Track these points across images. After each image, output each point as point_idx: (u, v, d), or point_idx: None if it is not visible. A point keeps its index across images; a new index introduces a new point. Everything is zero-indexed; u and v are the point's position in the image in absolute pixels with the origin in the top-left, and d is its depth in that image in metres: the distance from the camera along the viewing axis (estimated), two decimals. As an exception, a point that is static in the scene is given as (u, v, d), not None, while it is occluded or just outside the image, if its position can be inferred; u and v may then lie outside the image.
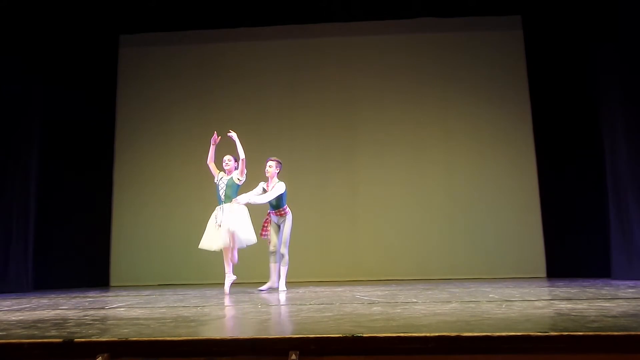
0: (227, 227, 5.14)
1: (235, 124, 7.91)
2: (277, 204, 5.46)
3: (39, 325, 2.94)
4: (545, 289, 4.88)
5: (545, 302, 3.59)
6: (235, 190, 5.32)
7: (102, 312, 3.76)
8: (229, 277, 5.26)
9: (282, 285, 5.41)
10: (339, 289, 5.55)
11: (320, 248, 7.53)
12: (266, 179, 5.59)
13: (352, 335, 2.17)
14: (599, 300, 3.53)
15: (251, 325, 2.95)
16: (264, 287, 5.40)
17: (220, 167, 5.51)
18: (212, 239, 5.22)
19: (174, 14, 7.72)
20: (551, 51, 7.32)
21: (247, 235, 5.29)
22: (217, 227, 5.20)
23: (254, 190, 5.51)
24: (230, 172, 5.42)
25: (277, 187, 5.41)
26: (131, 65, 8.24)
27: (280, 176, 5.64)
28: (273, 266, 5.49)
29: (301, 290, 5.52)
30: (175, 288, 6.48)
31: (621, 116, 5.99)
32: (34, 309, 4.00)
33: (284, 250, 5.41)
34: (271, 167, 5.50)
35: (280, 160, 5.61)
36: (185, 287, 6.52)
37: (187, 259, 7.18)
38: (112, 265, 7.76)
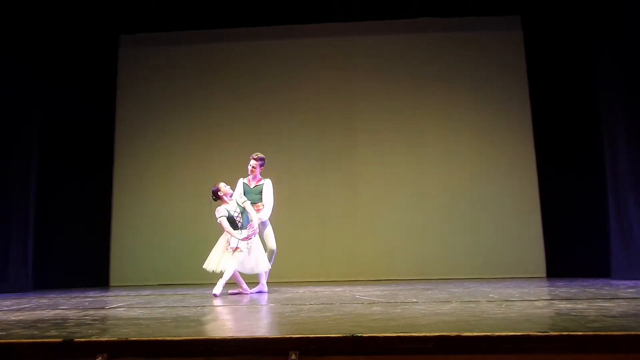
0: (242, 253, 5.02)
1: (234, 124, 8.00)
2: (256, 200, 5.35)
3: (39, 325, 2.94)
4: (545, 289, 4.89)
5: (545, 302, 3.59)
6: (246, 214, 5.21)
7: (102, 312, 3.76)
8: (242, 290, 5.21)
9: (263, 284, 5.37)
10: (339, 289, 5.55)
11: (320, 248, 7.53)
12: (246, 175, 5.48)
13: (352, 335, 2.17)
14: (599, 300, 3.53)
15: (251, 325, 2.95)
16: (254, 290, 5.35)
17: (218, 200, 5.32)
18: (218, 261, 5.07)
19: (174, 14, 7.72)
20: (551, 51, 7.32)
21: (258, 262, 5.17)
22: (228, 249, 5.03)
23: (236, 190, 5.35)
24: (227, 195, 5.24)
25: (267, 188, 5.36)
26: (131, 65, 8.24)
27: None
28: None
29: (301, 290, 5.52)
30: (175, 288, 6.48)
31: (621, 116, 5.99)
32: (34, 309, 4.00)
33: (274, 247, 5.34)
34: (255, 166, 5.38)
35: (264, 159, 5.46)
36: (185, 287, 6.52)
37: (187, 259, 7.15)
38: (112, 265, 7.76)
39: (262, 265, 5.20)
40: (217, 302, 4.42)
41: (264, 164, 5.46)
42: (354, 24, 7.97)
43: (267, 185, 5.40)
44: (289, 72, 8.07)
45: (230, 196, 5.24)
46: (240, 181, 5.48)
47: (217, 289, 4.88)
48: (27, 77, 6.76)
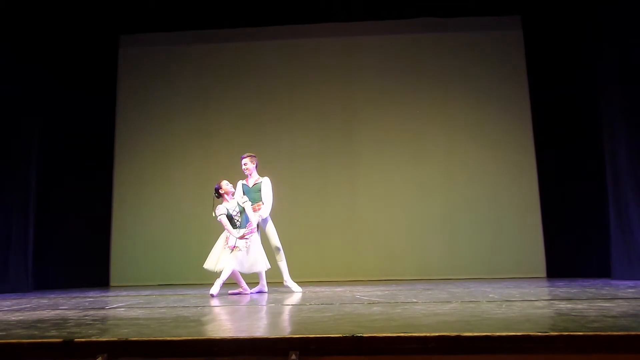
0: (240, 252, 5.04)
1: (235, 124, 8.00)
2: (256, 198, 5.35)
3: (39, 325, 2.94)
4: (545, 289, 4.89)
5: (545, 302, 3.59)
6: (245, 214, 5.21)
7: (102, 312, 3.76)
8: (242, 290, 5.20)
9: (292, 284, 5.30)
10: (339, 289, 5.55)
11: (321, 248, 7.53)
12: (244, 177, 5.48)
13: (352, 335, 2.17)
14: (599, 300, 3.53)
15: (251, 325, 2.95)
16: (253, 290, 5.36)
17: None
18: (217, 260, 5.10)
19: (174, 14, 7.73)
20: (551, 51, 7.32)
21: (257, 261, 5.15)
22: (226, 248, 5.07)
23: (236, 192, 5.34)
24: (229, 193, 5.25)
25: (265, 187, 5.36)
26: (131, 65, 8.24)
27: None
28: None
29: (301, 290, 5.51)
30: (175, 288, 6.49)
31: (621, 117, 5.99)
32: (34, 309, 4.00)
33: (278, 245, 5.32)
34: (246, 164, 5.39)
35: (254, 155, 5.49)
36: (185, 287, 6.52)
37: (187, 259, 7.16)
38: (112, 265, 7.76)
39: (260, 264, 5.18)
40: (217, 302, 4.42)
41: (254, 159, 5.47)
42: (354, 24, 7.97)
43: (265, 183, 5.39)
44: (289, 72, 8.06)
45: (232, 195, 5.25)
46: (239, 183, 5.49)
47: (215, 288, 4.89)
48: (27, 77, 6.76)
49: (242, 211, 5.20)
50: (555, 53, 7.28)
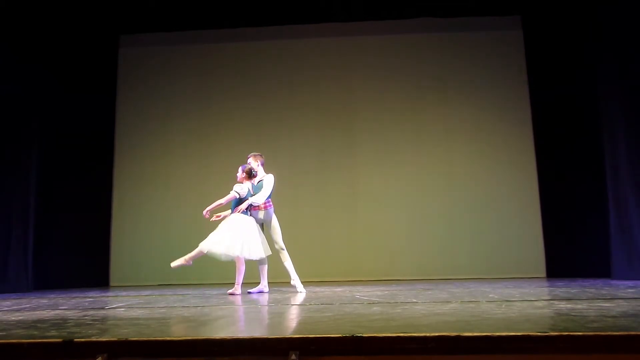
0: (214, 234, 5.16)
1: (235, 124, 8.00)
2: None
3: (39, 325, 2.94)
4: (545, 289, 4.89)
5: (545, 302, 3.59)
6: (234, 202, 5.24)
7: (102, 312, 3.76)
8: (235, 289, 5.17)
9: (299, 284, 5.31)
10: (339, 289, 5.55)
11: (320, 248, 7.53)
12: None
13: (352, 335, 2.17)
14: (599, 300, 3.53)
15: (251, 325, 2.95)
16: (254, 290, 5.35)
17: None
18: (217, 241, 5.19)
19: (174, 14, 7.73)
20: (551, 51, 7.32)
21: (229, 246, 5.08)
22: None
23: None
24: (241, 181, 5.35)
25: (267, 181, 5.36)
26: (131, 65, 8.24)
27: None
28: (262, 268, 5.39)
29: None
30: (175, 288, 6.48)
31: (621, 117, 5.99)
32: (34, 309, 4.00)
33: (282, 245, 5.31)
34: (250, 164, 5.47)
35: (258, 154, 5.55)
36: (185, 287, 6.52)
37: (187, 259, 7.16)
38: (112, 265, 7.76)
39: (231, 249, 5.08)
40: (217, 302, 4.42)
41: (257, 157, 5.52)
42: (354, 24, 7.97)
43: (267, 178, 5.41)
44: (289, 72, 8.06)
45: (241, 181, 5.35)
46: (250, 183, 5.54)
47: (177, 261, 5.26)
48: (27, 77, 6.75)
49: (234, 200, 5.27)
50: (555, 53, 7.28)
